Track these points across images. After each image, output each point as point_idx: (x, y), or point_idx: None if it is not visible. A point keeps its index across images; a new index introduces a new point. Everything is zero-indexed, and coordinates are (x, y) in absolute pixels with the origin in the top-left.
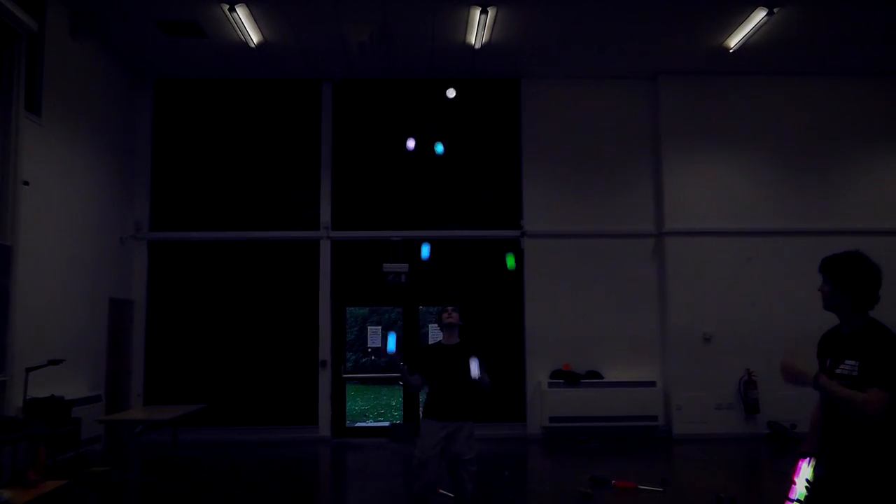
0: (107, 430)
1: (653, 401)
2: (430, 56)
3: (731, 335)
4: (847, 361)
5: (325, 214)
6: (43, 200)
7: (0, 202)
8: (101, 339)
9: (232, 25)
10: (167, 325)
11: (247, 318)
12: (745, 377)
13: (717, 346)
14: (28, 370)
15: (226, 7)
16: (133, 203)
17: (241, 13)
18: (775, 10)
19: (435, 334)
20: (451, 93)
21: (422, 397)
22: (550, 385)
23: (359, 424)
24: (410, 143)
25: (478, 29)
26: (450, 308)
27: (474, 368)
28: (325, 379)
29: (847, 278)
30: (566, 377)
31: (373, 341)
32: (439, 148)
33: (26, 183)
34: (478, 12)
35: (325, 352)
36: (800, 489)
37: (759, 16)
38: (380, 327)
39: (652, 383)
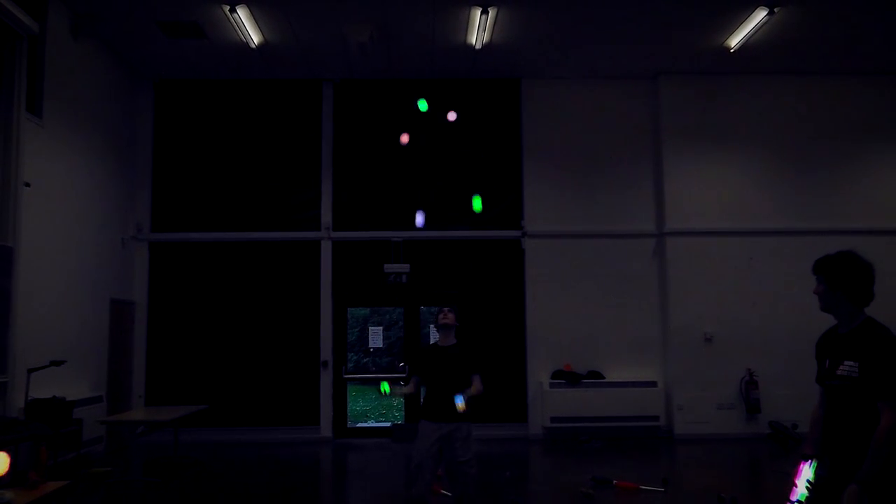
0: (108, 431)
1: (654, 401)
2: (430, 57)
3: (732, 335)
4: (847, 362)
5: (326, 215)
6: (44, 202)
7: (1, 203)
8: (103, 340)
9: (233, 26)
10: (168, 326)
11: (248, 318)
12: (746, 377)
13: (718, 346)
14: (30, 371)
15: (226, 8)
16: (134, 204)
17: (242, 14)
18: (776, 9)
19: (436, 335)
20: (451, 116)
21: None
22: (552, 385)
23: (360, 425)
24: (404, 138)
25: (478, 29)
26: (445, 309)
27: (459, 401)
28: (326, 379)
29: (840, 276)
30: (567, 377)
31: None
32: (423, 105)
33: (27, 184)
34: (478, 13)
35: (326, 352)
36: (801, 490)
37: (760, 15)
38: (381, 328)
39: (653, 383)
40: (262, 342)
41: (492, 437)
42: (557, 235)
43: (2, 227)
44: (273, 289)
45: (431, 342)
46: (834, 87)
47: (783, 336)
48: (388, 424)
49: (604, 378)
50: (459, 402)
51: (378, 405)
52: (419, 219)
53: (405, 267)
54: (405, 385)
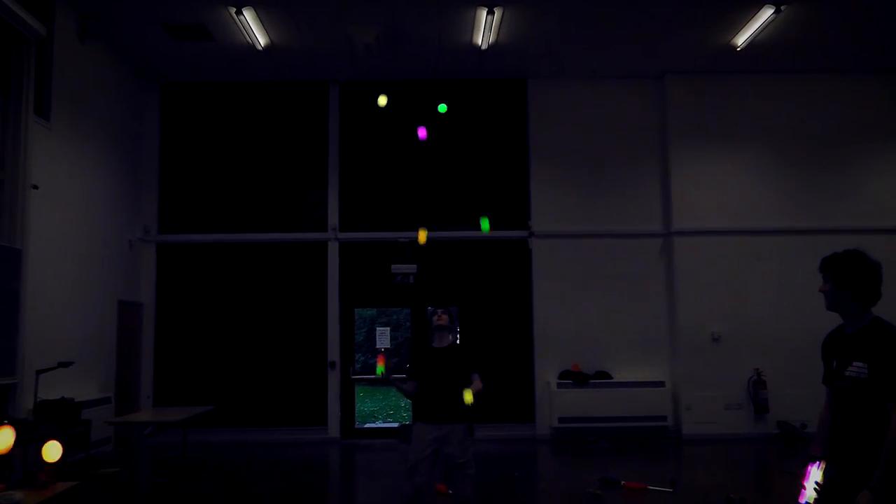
0: (116, 432)
1: (662, 401)
2: (436, 57)
3: (739, 335)
4: (855, 363)
5: (333, 216)
6: (52, 204)
7: (9, 206)
8: (111, 342)
9: (239, 28)
10: (176, 327)
11: (255, 319)
12: (754, 377)
13: (725, 346)
14: (38, 372)
15: (233, 10)
16: (141, 206)
17: (248, 16)
18: (782, 7)
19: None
20: (422, 133)
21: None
22: (559, 385)
23: (368, 426)
24: (422, 133)
25: (484, 29)
26: (440, 311)
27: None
28: (333, 380)
29: (848, 275)
30: (575, 377)
31: (381, 342)
32: (443, 108)
33: (35, 187)
34: (484, 13)
35: (333, 353)
36: (809, 492)
37: (767, 14)
38: (388, 328)
39: (661, 383)
40: (270, 343)
41: (499, 437)
42: (564, 236)
43: (10, 230)
44: (280, 290)
45: (430, 343)
46: (841, 85)
47: (791, 335)
48: (395, 425)
49: (611, 378)
50: (468, 395)
51: (385, 406)
52: (422, 132)
53: (412, 267)
54: (405, 384)
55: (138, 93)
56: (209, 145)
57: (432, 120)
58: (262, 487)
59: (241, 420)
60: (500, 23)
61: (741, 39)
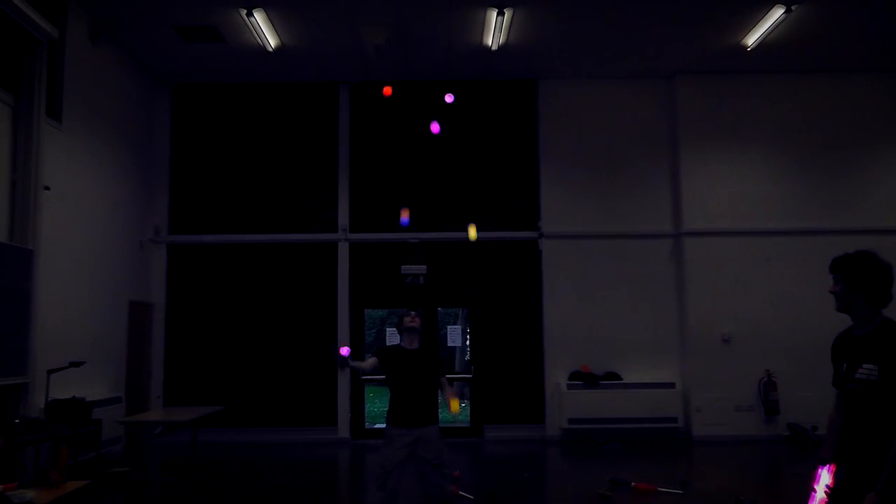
0: (127, 431)
1: (672, 402)
2: (446, 58)
3: (750, 336)
4: (865, 365)
5: (343, 217)
6: (63, 205)
7: (22, 207)
8: (122, 342)
9: (249, 30)
10: (186, 328)
11: (265, 320)
12: (764, 378)
13: (735, 347)
14: (50, 372)
15: (243, 12)
16: (152, 207)
17: (259, 18)
18: (793, 7)
19: (453, 336)
20: (448, 98)
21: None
22: (569, 386)
23: (378, 426)
24: (435, 127)
25: (494, 30)
26: (413, 312)
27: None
28: (343, 381)
29: (859, 276)
30: (585, 378)
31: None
32: (449, 99)
33: (47, 188)
34: (494, 14)
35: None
36: (819, 496)
37: (777, 13)
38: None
39: (671, 384)
40: (280, 343)
41: (509, 438)
42: (574, 236)
43: (22, 231)
44: (290, 290)
45: (396, 343)
46: (853, 85)
47: (802, 337)
48: None
49: (621, 379)
50: (454, 404)
51: None
52: (404, 218)
53: (422, 268)
54: (363, 362)
55: (149, 94)
56: (219, 147)
57: (443, 121)
58: (271, 487)
59: (251, 420)
60: (511, 24)
61: (752, 39)
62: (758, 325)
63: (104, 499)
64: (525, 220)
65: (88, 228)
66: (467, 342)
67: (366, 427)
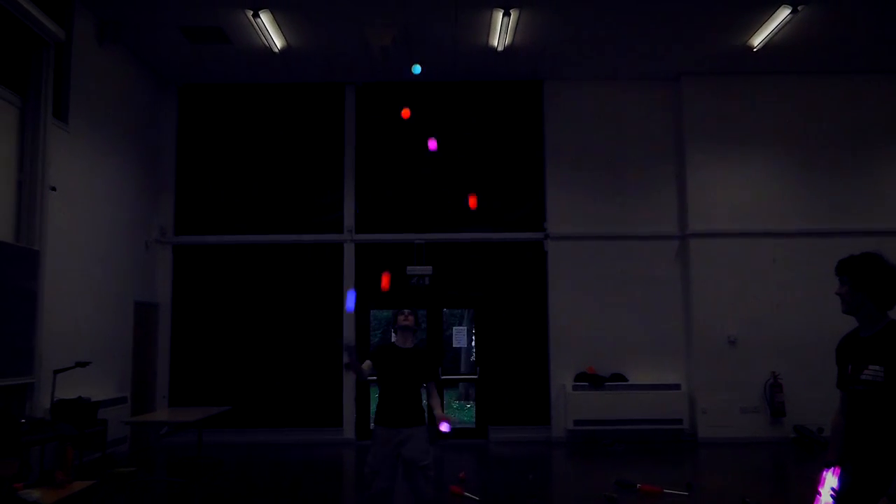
0: (132, 432)
1: (678, 404)
2: (452, 59)
3: (756, 338)
4: (871, 367)
5: (349, 218)
6: (70, 205)
7: (28, 207)
8: (127, 342)
9: (256, 31)
10: (192, 328)
11: (271, 320)
12: (770, 380)
13: (742, 349)
14: (55, 372)
15: (250, 13)
16: (158, 207)
17: (265, 19)
18: (799, 8)
19: (459, 337)
20: (432, 145)
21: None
22: (575, 388)
23: None
24: (432, 144)
25: (500, 31)
26: (406, 311)
27: (445, 428)
28: (349, 381)
29: (865, 278)
30: (590, 380)
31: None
32: (416, 69)
33: (53, 188)
34: (500, 15)
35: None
36: (824, 499)
37: (783, 14)
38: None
39: (677, 386)
40: (285, 344)
41: (514, 439)
42: (580, 237)
43: (28, 231)
44: (296, 291)
45: (391, 341)
46: (859, 86)
47: (808, 338)
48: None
49: (627, 381)
50: (447, 429)
51: None
52: (349, 302)
53: (428, 269)
54: (353, 370)
55: (156, 95)
56: (226, 147)
57: (447, 122)
58: (276, 488)
59: (257, 421)
60: (517, 24)
61: (757, 40)
62: (763, 327)
63: (110, 499)
64: (531, 221)
65: (94, 229)
66: (473, 343)
67: (371, 428)
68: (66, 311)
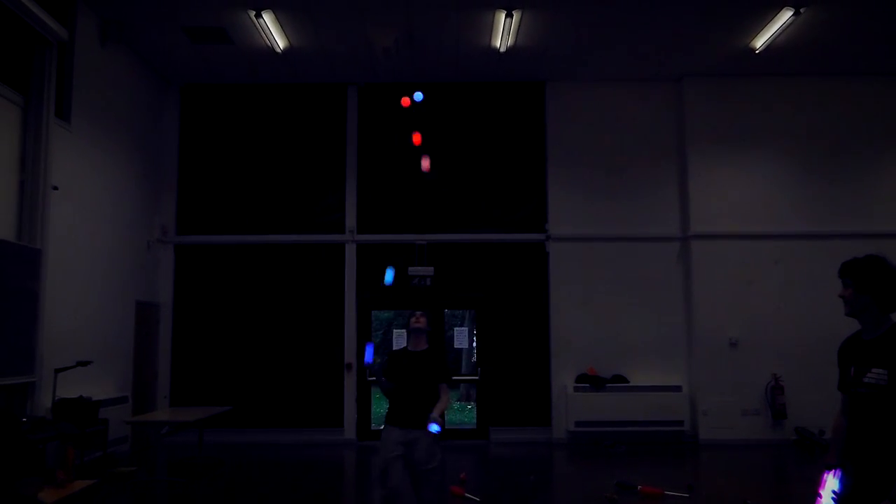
0: (133, 431)
1: (679, 406)
2: (454, 60)
3: (757, 340)
4: (874, 370)
5: (351, 218)
6: (72, 205)
7: (30, 207)
8: (129, 342)
9: (258, 32)
10: (193, 328)
11: (272, 320)
12: (771, 382)
13: (743, 351)
14: (57, 371)
15: (252, 14)
16: (160, 207)
17: (268, 19)
18: (802, 10)
19: (460, 338)
20: (425, 164)
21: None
22: (576, 389)
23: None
24: (425, 163)
25: (502, 33)
26: (418, 313)
27: (435, 429)
28: (350, 382)
29: (868, 280)
30: (591, 381)
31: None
32: (418, 96)
33: (55, 188)
34: (503, 16)
35: (350, 354)
36: (826, 501)
37: (786, 16)
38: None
39: (678, 388)
40: (287, 344)
41: (515, 440)
42: (582, 239)
43: (30, 230)
44: (297, 291)
45: (403, 346)
46: (861, 88)
47: (809, 340)
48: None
49: (628, 382)
50: (436, 429)
51: None
52: (368, 355)
53: (429, 270)
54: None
55: (158, 95)
56: (228, 147)
57: (449, 123)
58: (277, 488)
59: (258, 421)
60: (519, 26)
61: (760, 42)
62: (765, 329)
63: (110, 498)
64: (532, 222)
65: (96, 228)
66: (474, 344)
67: (372, 428)
68: (67, 311)
